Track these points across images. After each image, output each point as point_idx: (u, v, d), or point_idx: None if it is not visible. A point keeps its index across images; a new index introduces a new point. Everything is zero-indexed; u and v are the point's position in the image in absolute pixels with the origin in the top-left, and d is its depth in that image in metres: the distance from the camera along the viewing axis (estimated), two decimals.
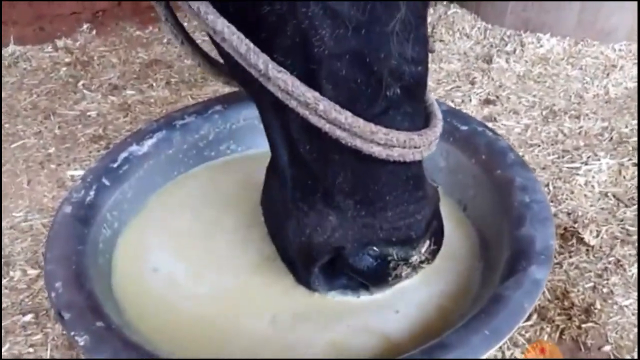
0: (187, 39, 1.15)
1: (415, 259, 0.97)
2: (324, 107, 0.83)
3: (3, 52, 2.48)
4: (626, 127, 1.88)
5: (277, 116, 0.94)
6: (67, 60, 2.43)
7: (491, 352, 1.13)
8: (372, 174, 0.92)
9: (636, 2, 2.26)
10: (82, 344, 0.87)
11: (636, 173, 1.61)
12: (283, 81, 0.82)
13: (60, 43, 2.53)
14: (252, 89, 0.95)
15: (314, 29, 0.80)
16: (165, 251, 1.21)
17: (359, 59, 0.82)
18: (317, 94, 0.83)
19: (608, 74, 2.21)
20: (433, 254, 1.00)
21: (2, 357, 1.19)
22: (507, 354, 1.14)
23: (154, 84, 2.23)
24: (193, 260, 1.19)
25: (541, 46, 2.43)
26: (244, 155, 1.50)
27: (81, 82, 2.26)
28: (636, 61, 2.28)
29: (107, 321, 0.92)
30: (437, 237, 1.01)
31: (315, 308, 1.07)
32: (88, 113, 2.06)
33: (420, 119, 0.93)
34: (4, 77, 2.32)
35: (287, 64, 0.84)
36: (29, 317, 1.26)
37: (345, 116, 0.83)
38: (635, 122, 1.90)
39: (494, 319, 0.87)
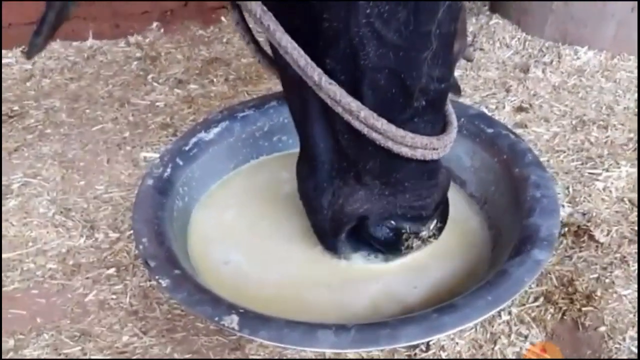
0: (253, 40, 1.35)
1: (424, 233, 1.20)
2: (364, 115, 1.03)
3: (82, 45, 2.79)
4: None
5: (323, 113, 1.14)
6: (138, 55, 2.69)
7: (499, 327, 1.31)
8: (397, 166, 1.13)
9: None
10: (164, 285, 1.11)
11: None
12: (333, 91, 1.03)
13: (132, 39, 2.79)
14: (301, 92, 1.13)
15: (362, 46, 0.99)
16: (232, 243, 1.39)
17: (396, 74, 1.01)
18: (359, 103, 1.03)
19: None
20: (439, 230, 1.22)
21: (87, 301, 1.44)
22: (514, 329, 1.31)
23: (214, 80, 2.47)
24: (258, 252, 1.37)
25: (578, 58, 2.53)
26: (292, 152, 1.69)
27: (150, 76, 2.51)
28: None
29: (182, 270, 1.16)
30: (444, 217, 1.23)
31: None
32: (157, 103, 2.31)
33: (439, 125, 1.13)
34: (84, 68, 2.62)
35: (337, 69, 1.03)
36: (111, 271, 1.51)
37: (381, 123, 1.04)
38: None
39: (497, 288, 1.05)
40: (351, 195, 1.17)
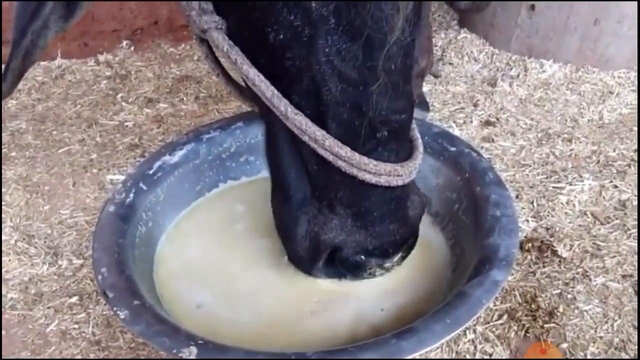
0: (223, 72, 1.35)
1: (388, 265, 1.22)
2: (329, 144, 1.06)
3: (51, 64, 2.76)
4: (614, 151, 2.03)
5: (292, 143, 1.16)
6: (107, 73, 2.68)
7: (464, 346, 1.31)
8: (364, 193, 1.14)
9: (635, 32, 2.40)
10: (122, 317, 1.09)
11: (615, 194, 1.77)
12: (299, 121, 1.05)
13: (101, 58, 2.77)
14: (272, 121, 1.16)
15: (324, 82, 1.02)
16: (201, 282, 1.35)
17: (357, 108, 1.04)
18: (324, 132, 1.06)
19: (604, 100, 2.36)
20: (403, 259, 1.24)
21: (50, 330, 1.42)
22: (479, 348, 1.31)
23: (185, 98, 2.46)
24: (228, 290, 1.32)
25: (544, 71, 2.59)
26: (259, 178, 1.69)
27: (120, 95, 2.50)
28: (634, 88, 2.42)
29: (142, 300, 1.14)
30: (409, 249, 1.25)
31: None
32: (126, 123, 2.29)
33: (403, 153, 1.15)
34: (52, 88, 2.59)
35: (302, 104, 1.06)
36: (74, 299, 1.49)
37: (345, 151, 1.06)
38: (623, 146, 2.05)
39: (456, 310, 1.05)
40: (325, 224, 1.19)
